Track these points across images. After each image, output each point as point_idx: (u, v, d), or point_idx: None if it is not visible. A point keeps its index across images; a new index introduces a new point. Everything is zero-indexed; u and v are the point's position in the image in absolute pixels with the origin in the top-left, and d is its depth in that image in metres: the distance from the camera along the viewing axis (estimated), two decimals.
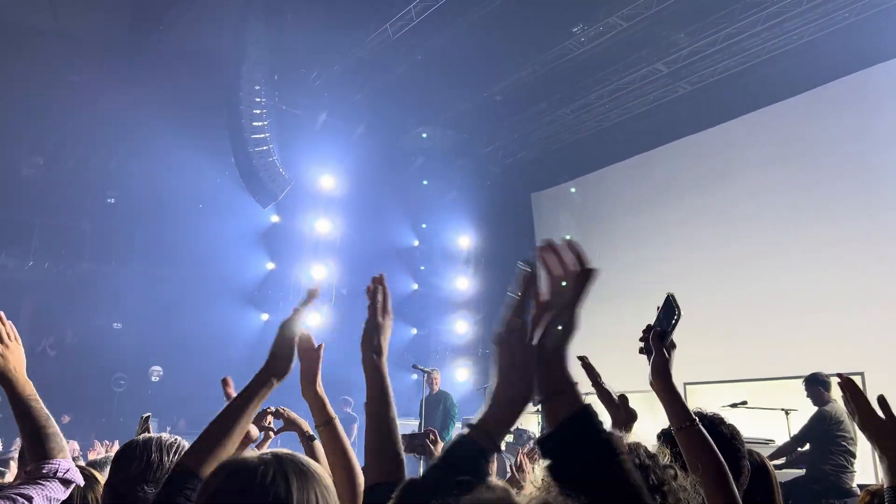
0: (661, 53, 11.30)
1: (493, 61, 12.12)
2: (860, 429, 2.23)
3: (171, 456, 2.03)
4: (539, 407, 1.15)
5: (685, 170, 12.33)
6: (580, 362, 2.49)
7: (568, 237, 1.20)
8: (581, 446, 1.05)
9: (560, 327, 1.13)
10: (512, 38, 11.44)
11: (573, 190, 14.43)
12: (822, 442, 6.51)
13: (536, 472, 1.58)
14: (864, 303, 9.54)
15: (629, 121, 12.99)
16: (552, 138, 14.18)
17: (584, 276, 1.15)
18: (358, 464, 1.92)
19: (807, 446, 6.72)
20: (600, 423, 1.08)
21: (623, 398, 2.63)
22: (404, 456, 1.54)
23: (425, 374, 9.29)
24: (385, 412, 1.55)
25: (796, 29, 10.38)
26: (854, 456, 6.60)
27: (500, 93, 12.78)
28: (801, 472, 6.65)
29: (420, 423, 9.22)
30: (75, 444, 8.76)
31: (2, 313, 2.10)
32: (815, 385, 6.70)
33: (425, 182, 15.64)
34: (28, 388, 2.06)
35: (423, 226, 16.12)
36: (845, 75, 10.40)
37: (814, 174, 10.53)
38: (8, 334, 2.08)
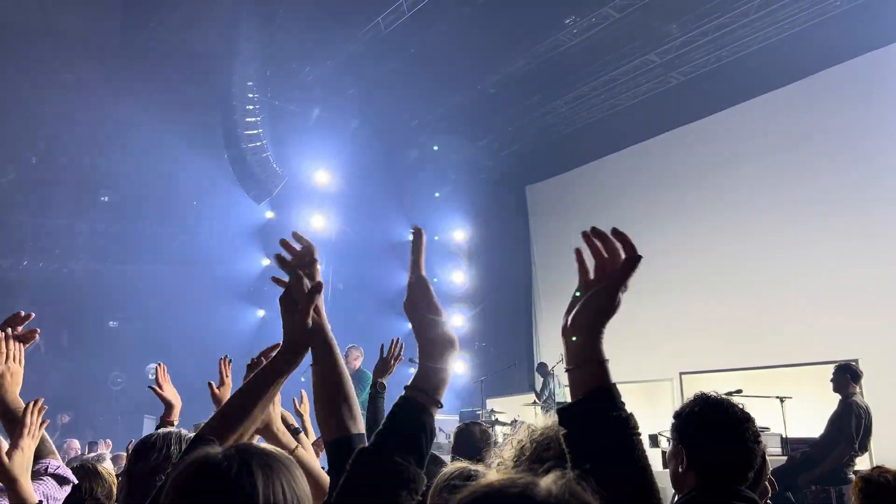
0: (653, 44, 11.30)
1: (486, 54, 12.09)
2: None
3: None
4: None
5: (680, 160, 12.35)
6: None
7: (614, 227, 1.28)
8: (599, 419, 1.10)
9: (598, 305, 1.19)
10: (505, 30, 11.41)
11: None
12: (853, 434, 6.41)
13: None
14: (859, 291, 9.58)
15: (623, 112, 12.99)
16: (546, 130, 14.18)
17: (628, 263, 1.22)
18: (326, 480, 1.93)
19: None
20: (621, 402, 1.13)
21: None
22: (357, 407, 1.55)
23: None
24: (331, 366, 1.56)
25: (789, 17, 10.39)
26: (867, 449, 6.58)
27: (494, 85, 12.77)
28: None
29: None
30: (76, 443, 8.77)
31: (9, 333, 2.18)
32: (844, 373, 6.57)
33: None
34: (17, 403, 2.20)
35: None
36: (839, 63, 10.41)
37: (809, 163, 10.54)
38: (14, 356, 2.16)
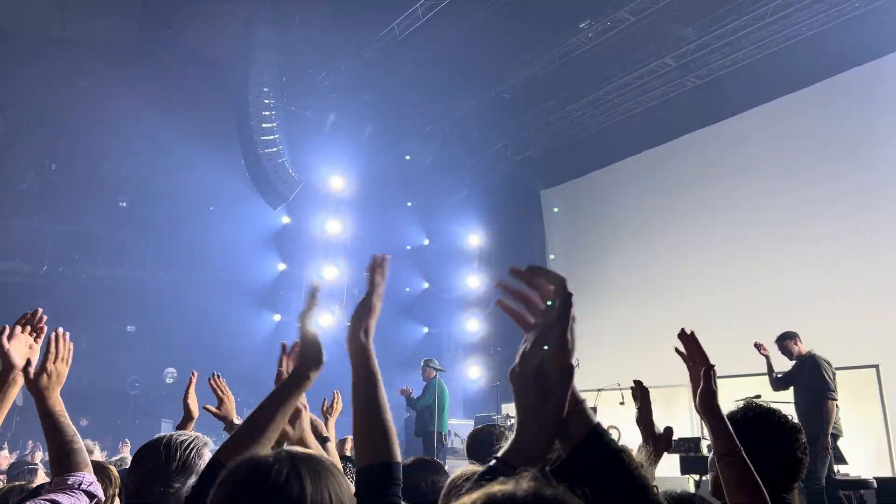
0: (669, 48, 11.26)
1: (501, 59, 12.10)
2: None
3: (183, 453, 2.03)
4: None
5: (695, 164, 12.27)
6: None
7: (528, 264, 1.16)
8: (596, 469, 1.05)
9: (549, 349, 1.10)
10: (519, 35, 11.41)
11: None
12: (832, 385, 6.68)
13: None
14: (878, 296, 9.46)
15: (638, 116, 12.93)
16: (561, 135, 14.14)
17: (564, 299, 1.11)
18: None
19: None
20: (612, 441, 1.08)
21: (668, 431, 2.71)
22: (395, 436, 1.53)
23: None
24: (374, 393, 1.54)
25: (805, 20, 10.31)
26: None
27: (508, 90, 12.76)
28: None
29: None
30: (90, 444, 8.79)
31: (67, 334, 2.20)
32: (788, 338, 7.07)
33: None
34: (59, 405, 2.16)
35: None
36: (856, 66, 10.31)
37: (826, 166, 10.45)
38: (63, 357, 2.17)
